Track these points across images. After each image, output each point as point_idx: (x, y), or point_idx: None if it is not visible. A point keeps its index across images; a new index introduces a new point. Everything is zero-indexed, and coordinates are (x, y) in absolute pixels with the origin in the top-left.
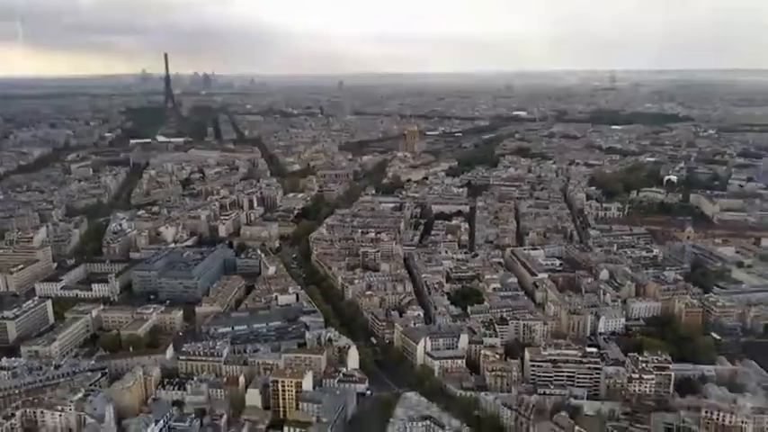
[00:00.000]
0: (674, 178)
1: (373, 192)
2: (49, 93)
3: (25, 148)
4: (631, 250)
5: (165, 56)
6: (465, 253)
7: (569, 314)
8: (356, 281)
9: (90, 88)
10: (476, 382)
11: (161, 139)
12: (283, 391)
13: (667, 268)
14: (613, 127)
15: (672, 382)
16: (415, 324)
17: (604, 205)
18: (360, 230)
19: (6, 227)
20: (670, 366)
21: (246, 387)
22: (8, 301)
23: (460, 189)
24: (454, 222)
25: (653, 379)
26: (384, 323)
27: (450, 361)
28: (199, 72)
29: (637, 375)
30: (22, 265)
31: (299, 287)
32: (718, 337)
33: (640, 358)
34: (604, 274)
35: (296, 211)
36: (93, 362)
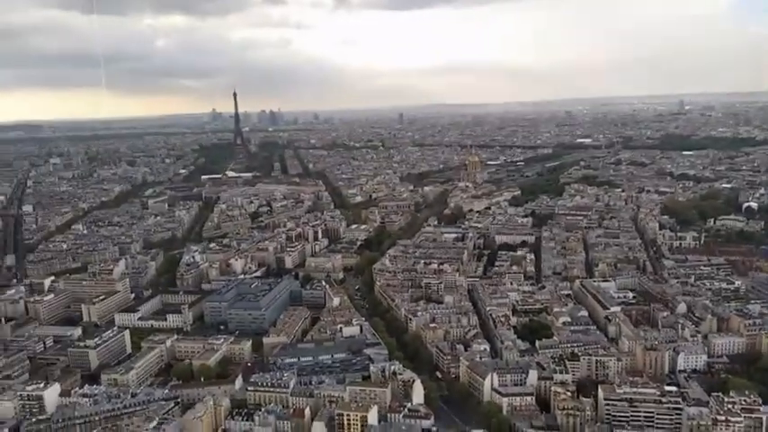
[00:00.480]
0: (753, 205)
1: (435, 222)
2: (128, 133)
3: (106, 185)
4: (710, 282)
5: (234, 95)
6: (531, 285)
7: (645, 350)
8: (420, 313)
9: (164, 127)
10: (546, 422)
11: (231, 174)
12: (349, 424)
13: (752, 301)
14: (684, 153)
15: (764, 426)
16: (481, 358)
17: (679, 234)
18: (422, 261)
19: (89, 260)
20: (760, 408)
21: (312, 419)
22: (90, 330)
23: (524, 219)
24: (519, 253)
25: (741, 422)
26: (449, 357)
27: (518, 398)
28: (266, 110)
29: (723, 417)
30: (103, 296)
31: (363, 319)
32: None
33: (726, 399)
34: (682, 308)
35: (359, 243)
36: (166, 391)
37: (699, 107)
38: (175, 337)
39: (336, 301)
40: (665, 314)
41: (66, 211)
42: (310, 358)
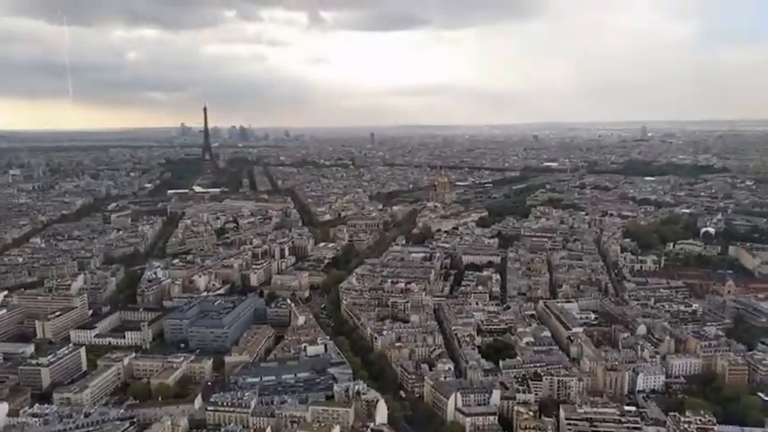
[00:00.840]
0: (711, 230)
1: (403, 242)
2: (92, 145)
3: (68, 198)
4: (669, 304)
5: (204, 109)
6: (496, 305)
7: (606, 370)
8: (385, 332)
9: (131, 140)
10: None
11: (198, 189)
12: None
13: (708, 323)
14: (646, 178)
15: None
16: (445, 378)
17: (640, 257)
18: (389, 280)
19: (46, 274)
20: (715, 428)
21: None
22: (44, 347)
23: (491, 239)
24: (485, 273)
25: None
26: (413, 376)
27: (481, 417)
28: (236, 125)
29: None
30: (58, 312)
31: (328, 338)
32: (766, 398)
33: (682, 419)
34: (642, 329)
35: (326, 261)
36: (122, 411)
37: (660, 134)
38: (133, 354)
39: (302, 319)
40: (625, 335)
41: (24, 223)
42: (273, 377)
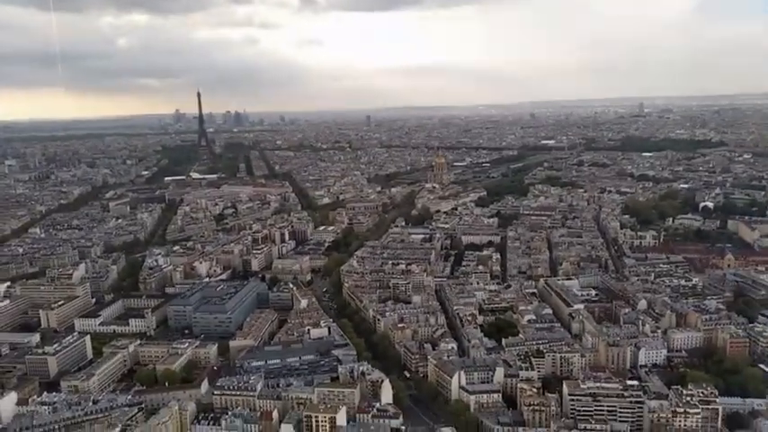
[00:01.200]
0: (710, 204)
1: (403, 223)
2: (88, 133)
3: (65, 187)
4: (669, 279)
5: (198, 95)
6: (497, 284)
7: (608, 346)
8: (388, 313)
9: (126, 128)
10: (513, 418)
11: (195, 175)
12: (317, 426)
13: (708, 297)
14: (644, 154)
15: (720, 417)
16: (448, 357)
17: (639, 233)
18: (390, 262)
19: (47, 264)
20: (717, 400)
21: (280, 422)
22: (49, 336)
23: (490, 219)
24: (485, 253)
25: (699, 413)
26: (417, 356)
27: (485, 395)
28: (231, 111)
29: (682, 409)
30: (62, 302)
31: (331, 320)
32: (767, 370)
33: (684, 392)
34: (642, 305)
35: (326, 244)
36: (129, 397)
37: (658, 110)
38: (138, 342)
39: (304, 303)
40: (626, 311)
41: (22, 214)
42: (278, 361)
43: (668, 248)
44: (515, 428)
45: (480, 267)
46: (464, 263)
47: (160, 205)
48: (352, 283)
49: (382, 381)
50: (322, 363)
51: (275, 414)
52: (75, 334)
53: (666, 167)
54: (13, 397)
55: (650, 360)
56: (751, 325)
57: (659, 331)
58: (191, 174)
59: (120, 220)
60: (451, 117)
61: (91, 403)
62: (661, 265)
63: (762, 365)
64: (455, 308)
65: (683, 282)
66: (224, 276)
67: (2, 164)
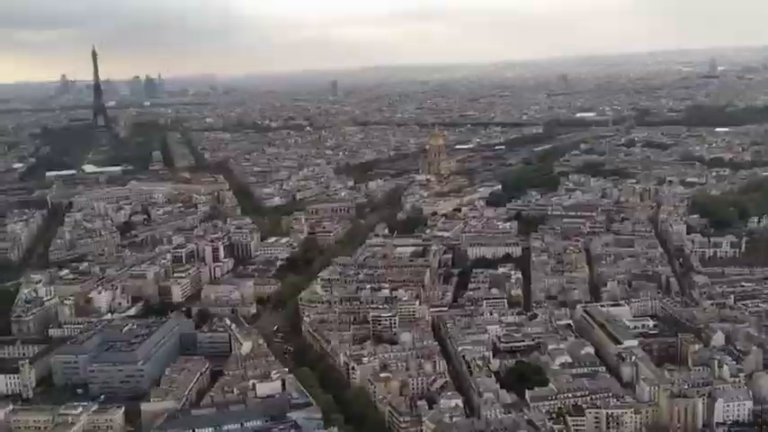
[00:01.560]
0: None
1: (386, 231)
2: None
3: None
4: (755, 303)
5: (94, 54)
6: (518, 314)
7: (672, 398)
8: (366, 359)
9: None
10: None
11: (89, 169)
12: None
13: None
14: (718, 129)
15: None
16: (452, 419)
17: (713, 240)
18: (368, 287)
19: None
20: None
21: None
22: None
23: (507, 224)
24: (501, 271)
25: None
26: (407, 419)
27: None
28: (141, 76)
29: None
30: None
31: (287, 370)
32: None
33: None
34: (719, 339)
35: (279, 263)
36: None
37: (737, 68)
38: (11, 407)
39: (247, 346)
40: (696, 347)
41: None
42: (211, 430)
43: (753, 260)
44: None
45: (494, 291)
46: (471, 285)
47: (40, 212)
48: (315, 316)
49: None
50: (275, 431)
51: None
52: None
53: (749, 148)
54: None
55: (731, 416)
56: None
57: (742, 375)
58: (83, 167)
59: None
60: (452, 81)
61: None
62: (743, 284)
63: None
64: (460, 349)
65: None
66: (133, 311)
67: None
